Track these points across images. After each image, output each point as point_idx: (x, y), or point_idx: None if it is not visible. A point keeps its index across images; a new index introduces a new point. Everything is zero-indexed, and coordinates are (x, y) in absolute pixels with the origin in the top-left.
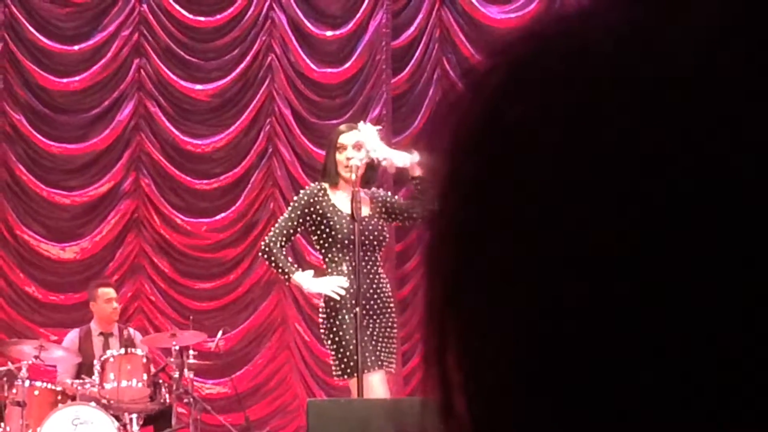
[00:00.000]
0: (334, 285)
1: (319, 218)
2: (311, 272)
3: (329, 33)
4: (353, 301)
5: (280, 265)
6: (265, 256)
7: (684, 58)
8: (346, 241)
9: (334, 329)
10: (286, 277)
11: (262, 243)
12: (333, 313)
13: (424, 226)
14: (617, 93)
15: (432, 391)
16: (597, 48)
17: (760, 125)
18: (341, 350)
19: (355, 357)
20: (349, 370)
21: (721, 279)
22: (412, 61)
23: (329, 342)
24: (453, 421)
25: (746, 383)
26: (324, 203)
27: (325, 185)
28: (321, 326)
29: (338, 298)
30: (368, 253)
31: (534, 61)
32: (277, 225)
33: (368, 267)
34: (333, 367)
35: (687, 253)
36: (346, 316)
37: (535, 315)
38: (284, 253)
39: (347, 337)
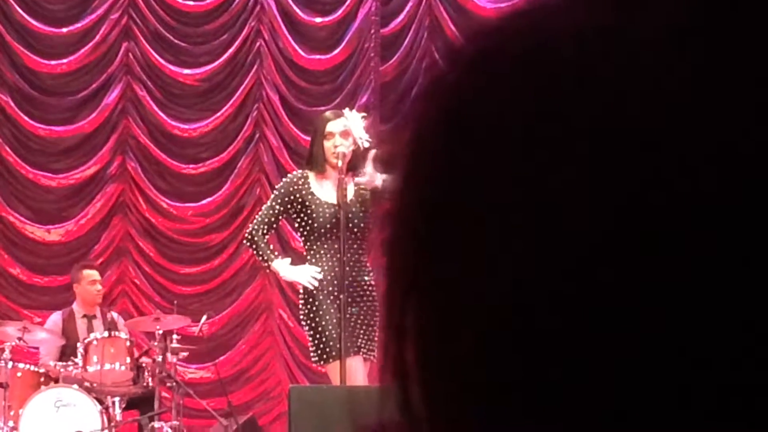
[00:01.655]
0: (308, 274)
1: (299, 206)
2: (289, 260)
3: (318, 19)
4: (331, 288)
5: (260, 252)
6: (248, 244)
7: (644, 59)
8: (323, 230)
9: (311, 315)
10: (266, 264)
11: (246, 231)
12: (311, 299)
13: (384, 216)
14: (576, 93)
15: (390, 382)
16: (560, 45)
17: (716, 127)
18: (318, 335)
19: (331, 343)
20: (325, 356)
21: (718, 278)
22: (401, 48)
23: (307, 327)
24: (410, 413)
25: (745, 383)
26: (304, 191)
27: (308, 173)
28: (300, 311)
29: (311, 288)
30: (350, 241)
31: (498, 56)
32: (260, 213)
33: (349, 254)
34: (311, 353)
35: (666, 251)
36: (324, 302)
37: (499, 311)
38: (266, 240)
39: (323, 322)
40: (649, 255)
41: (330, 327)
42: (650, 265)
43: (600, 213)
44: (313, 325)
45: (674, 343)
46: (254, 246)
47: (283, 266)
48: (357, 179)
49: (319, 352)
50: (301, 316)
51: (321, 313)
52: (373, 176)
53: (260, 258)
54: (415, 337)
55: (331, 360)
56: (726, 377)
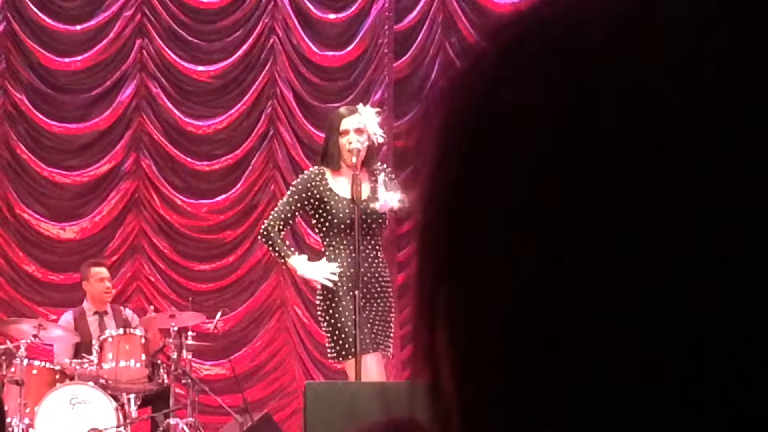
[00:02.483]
0: (325, 272)
1: (317, 202)
2: (305, 257)
3: (332, 16)
4: (350, 284)
5: (277, 248)
6: (263, 239)
7: (672, 47)
8: (343, 225)
9: (330, 311)
10: (282, 260)
11: (261, 227)
12: (330, 295)
13: (415, 205)
14: (608, 81)
15: (420, 370)
16: (589, 33)
17: (730, 123)
18: (336, 332)
19: (350, 339)
20: (344, 352)
21: (721, 279)
22: (415, 45)
23: (325, 324)
24: (441, 400)
25: (745, 387)
26: (321, 187)
27: (324, 169)
28: (318, 308)
29: (330, 285)
30: (367, 237)
31: (527, 44)
32: (276, 209)
33: (367, 250)
34: (328, 350)
35: (685, 249)
36: (343, 299)
37: (524, 303)
38: (282, 237)
39: (342, 319)
40: (651, 256)
41: (349, 323)
42: (650, 266)
43: (604, 210)
44: (332, 321)
45: (673, 344)
46: (270, 242)
47: (299, 263)
48: (372, 206)
49: (337, 348)
50: (319, 312)
51: (340, 309)
52: (388, 199)
53: (276, 254)
54: (446, 319)
55: (349, 357)
56: (725, 379)
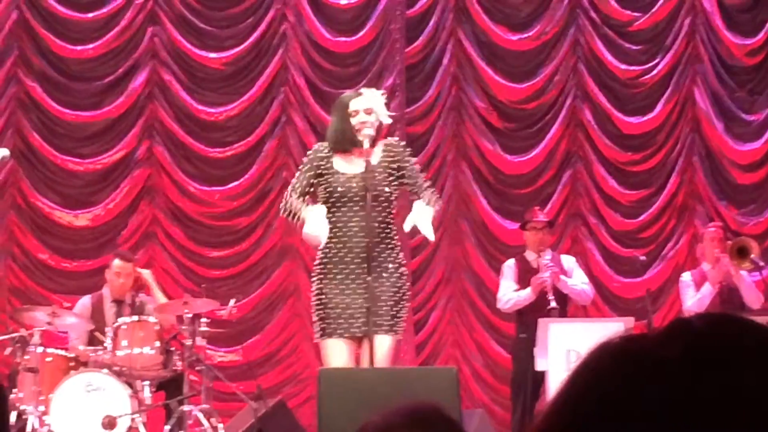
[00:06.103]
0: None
1: (320, 176)
2: (323, 208)
3: (343, 1)
4: (347, 259)
5: (292, 209)
6: (282, 211)
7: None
8: (337, 194)
9: (321, 286)
10: (298, 220)
11: (279, 205)
12: (325, 270)
13: None
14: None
15: None
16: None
17: None
18: (320, 309)
19: (333, 317)
20: (321, 331)
21: None
22: (426, 30)
23: (314, 297)
24: None
25: None
26: (325, 160)
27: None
28: (312, 281)
29: (326, 261)
30: (377, 208)
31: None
32: (290, 186)
33: (375, 224)
34: (314, 327)
35: None
36: (336, 278)
37: None
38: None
39: (330, 295)
40: None
41: (335, 301)
42: None
43: None
44: (321, 296)
45: None
46: (287, 204)
47: (312, 216)
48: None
49: (316, 326)
50: (312, 288)
51: (331, 286)
52: (419, 223)
53: (293, 217)
54: None
55: (325, 336)
56: None
